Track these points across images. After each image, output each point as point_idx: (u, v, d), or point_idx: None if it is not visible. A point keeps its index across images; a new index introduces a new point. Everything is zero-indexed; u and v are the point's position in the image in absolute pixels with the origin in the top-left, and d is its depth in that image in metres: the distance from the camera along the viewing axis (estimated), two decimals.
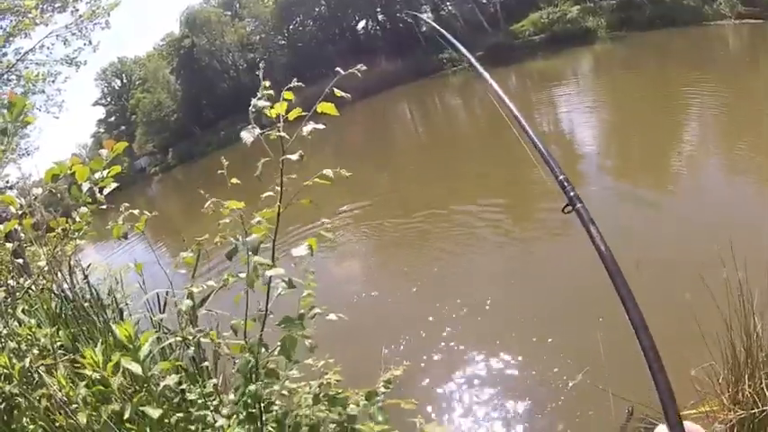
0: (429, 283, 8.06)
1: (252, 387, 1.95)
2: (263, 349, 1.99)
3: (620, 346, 4.97)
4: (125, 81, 59.09)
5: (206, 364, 2.62)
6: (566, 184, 1.64)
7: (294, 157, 1.89)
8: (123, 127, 55.26)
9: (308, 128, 1.84)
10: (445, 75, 37.85)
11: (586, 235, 1.49)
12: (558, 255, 7.68)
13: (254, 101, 1.89)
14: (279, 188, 1.98)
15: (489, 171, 13.22)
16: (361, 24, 51.16)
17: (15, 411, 2.08)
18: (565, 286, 6.53)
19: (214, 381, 2.42)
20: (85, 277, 4.05)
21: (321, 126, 1.85)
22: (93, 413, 2.09)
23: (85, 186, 2.46)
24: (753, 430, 3.09)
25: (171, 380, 2.14)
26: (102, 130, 58.94)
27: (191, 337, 2.45)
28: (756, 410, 3.02)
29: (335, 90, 1.89)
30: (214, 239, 2.20)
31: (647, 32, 28.69)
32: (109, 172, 2.47)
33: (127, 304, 4.21)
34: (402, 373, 2.36)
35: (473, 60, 2.23)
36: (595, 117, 16.07)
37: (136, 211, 2.74)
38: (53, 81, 13.20)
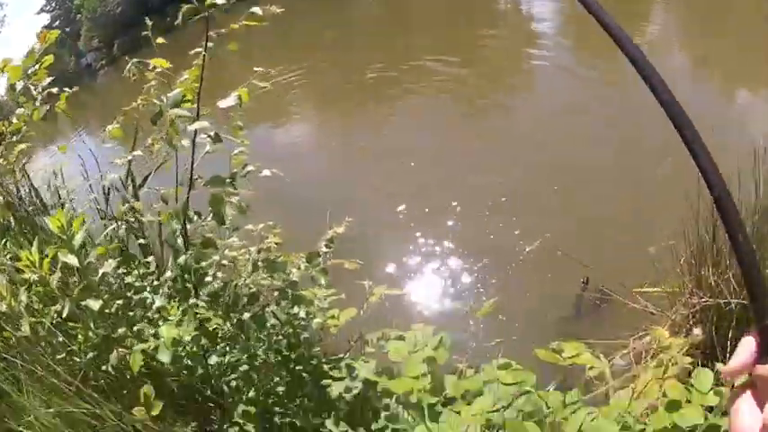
0: (380, 142, 7.88)
1: (181, 258, 1.79)
2: (196, 217, 1.81)
3: (580, 218, 5.04)
4: None
5: (140, 241, 2.46)
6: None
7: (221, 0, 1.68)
8: (68, 29, 52.23)
9: None
10: None
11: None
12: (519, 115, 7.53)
13: None
14: (205, 38, 1.78)
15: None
16: None
17: None
18: (525, 152, 6.42)
19: (150, 258, 2.27)
20: (29, 180, 3.80)
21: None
22: (36, 318, 1.97)
23: (20, 85, 2.37)
24: (716, 320, 3.01)
25: (109, 266, 1.97)
26: (57, 31, 55.66)
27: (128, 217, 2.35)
28: (722, 301, 2.91)
29: None
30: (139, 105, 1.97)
31: None
32: (41, 63, 2.37)
33: (71, 200, 3.96)
34: (345, 231, 2.16)
35: None
36: None
37: (54, 89, 2.52)
38: None
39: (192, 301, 1.81)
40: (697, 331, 2.31)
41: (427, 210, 5.81)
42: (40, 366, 1.95)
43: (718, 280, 2.99)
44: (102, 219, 3.39)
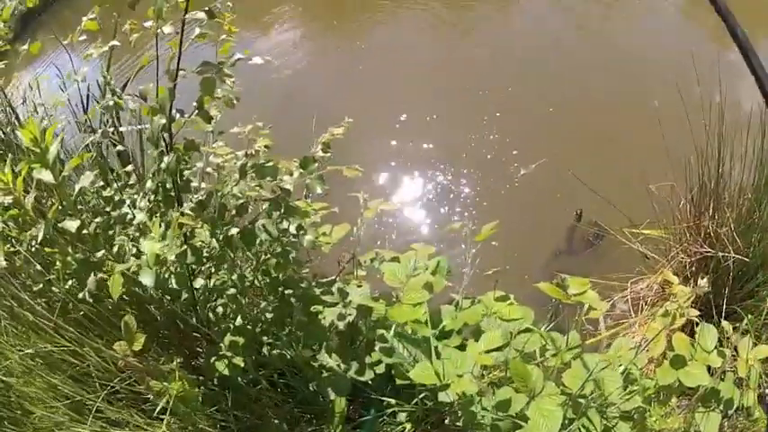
0: (374, 47, 7.47)
1: (165, 160, 1.59)
2: (179, 115, 1.59)
3: (578, 143, 4.83)
4: None
5: (119, 148, 2.22)
6: None
7: None
8: None
9: None
10: None
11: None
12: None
13: None
14: None
15: None
16: None
17: None
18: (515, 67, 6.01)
19: (129, 167, 2.03)
20: (5, 96, 3.53)
21: None
22: (12, 248, 1.77)
23: None
24: (713, 271, 2.92)
25: (86, 179, 1.75)
26: None
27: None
28: (721, 254, 2.81)
29: None
30: None
31: None
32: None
33: (50, 116, 3.66)
34: (344, 133, 1.91)
35: None
36: None
37: None
38: None
39: (175, 212, 1.59)
40: (703, 282, 2.18)
41: (417, 120, 5.54)
42: (17, 302, 1.81)
43: (718, 230, 2.89)
44: (80, 131, 3.17)
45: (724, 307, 2.74)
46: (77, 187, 1.75)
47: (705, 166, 2.91)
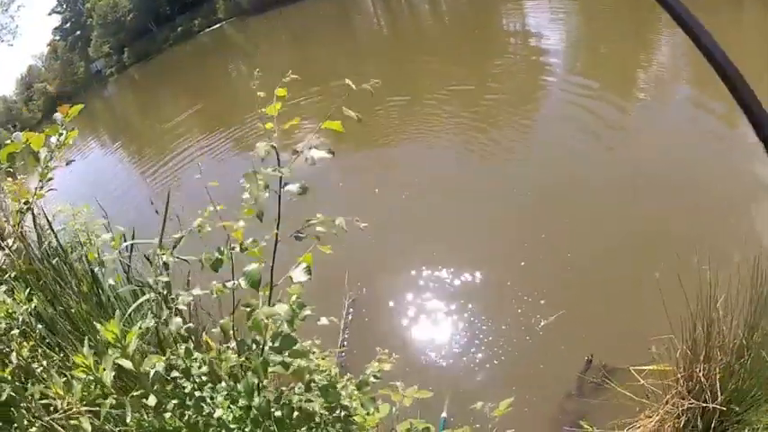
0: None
1: (257, 400, 1.82)
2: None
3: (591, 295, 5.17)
4: None
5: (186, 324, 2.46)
6: None
7: (294, 188, 1.69)
8: (78, 32, 52.74)
9: (315, 154, 1.63)
10: None
11: None
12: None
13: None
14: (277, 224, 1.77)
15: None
16: None
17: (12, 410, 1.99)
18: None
19: (198, 355, 2.30)
20: (50, 225, 3.72)
21: (327, 155, 1.62)
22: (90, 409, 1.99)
23: (43, 153, 2.45)
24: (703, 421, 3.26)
25: (160, 366, 2.01)
26: (57, 38, 56.24)
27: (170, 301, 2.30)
28: (704, 404, 3.17)
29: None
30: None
31: None
32: (65, 138, 2.45)
33: (102, 261, 3.86)
34: (390, 368, 2.30)
35: None
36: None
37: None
38: (6, 10, 12.44)
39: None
40: None
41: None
42: None
43: (705, 379, 3.23)
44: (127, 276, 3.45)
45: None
46: (152, 373, 1.99)
47: (698, 323, 3.26)
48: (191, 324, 2.53)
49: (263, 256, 1.77)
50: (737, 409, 3.20)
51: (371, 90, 1.67)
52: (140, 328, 2.27)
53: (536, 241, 5.94)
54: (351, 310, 5.58)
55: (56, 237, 3.64)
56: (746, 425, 3.20)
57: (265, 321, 1.63)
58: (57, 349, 2.71)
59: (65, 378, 2.05)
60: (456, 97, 10.73)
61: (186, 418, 2.00)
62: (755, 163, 5.71)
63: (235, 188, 1.86)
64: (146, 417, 2.05)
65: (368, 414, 2.09)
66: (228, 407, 2.00)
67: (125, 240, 3.42)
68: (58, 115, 2.35)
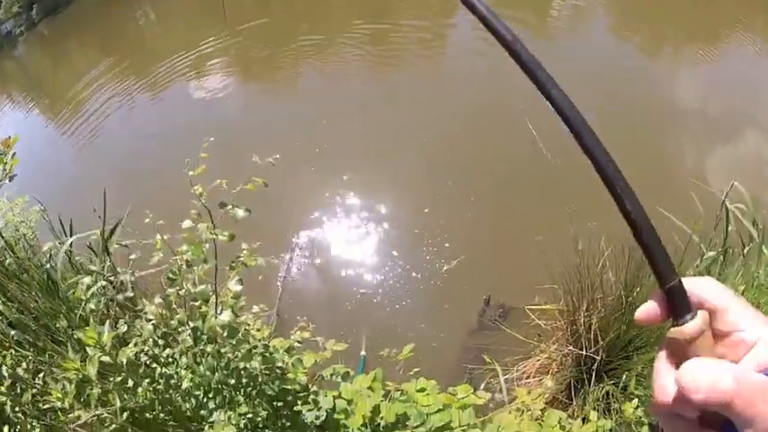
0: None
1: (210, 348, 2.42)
2: None
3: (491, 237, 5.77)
4: None
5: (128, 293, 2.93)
6: None
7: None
8: None
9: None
10: None
11: None
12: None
13: None
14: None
15: None
16: None
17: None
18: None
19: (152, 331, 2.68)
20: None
21: (244, 213, 2.17)
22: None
23: None
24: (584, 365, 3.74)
25: (131, 353, 2.48)
26: None
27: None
28: (584, 353, 3.62)
29: None
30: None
31: None
32: (9, 167, 2.66)
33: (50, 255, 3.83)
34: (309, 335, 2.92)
35: None
36: None
37: None
38: None
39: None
40: (549, 383, 3.27)
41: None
42: None
43: (586, 328, 3.70)
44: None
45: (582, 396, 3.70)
46: (123, 360, 2.49)
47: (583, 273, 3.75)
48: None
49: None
50: (611, 358, 3.65)
51: None
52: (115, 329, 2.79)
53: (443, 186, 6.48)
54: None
55: (1, 236, 3.84)
56: (624, 371, 3.60)
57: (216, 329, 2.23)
58: (29, 348, 3.06)
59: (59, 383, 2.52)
60: None
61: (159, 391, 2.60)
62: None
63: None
64: (128, 397, 2.59)
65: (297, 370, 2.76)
66: (190, 378, 2.62)
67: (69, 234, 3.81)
68: None
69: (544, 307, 4.35)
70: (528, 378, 4.02)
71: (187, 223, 2.23)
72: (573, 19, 10.04)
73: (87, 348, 2.42)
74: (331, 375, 3.10)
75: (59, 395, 2.33)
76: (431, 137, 7.05)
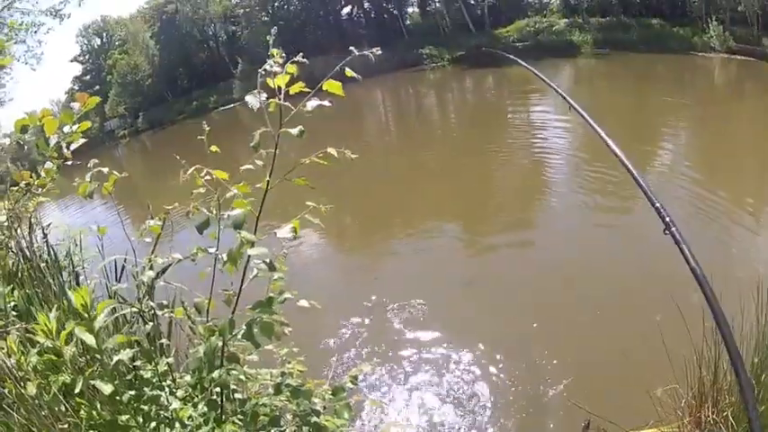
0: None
1: (216, 373, 1.87)
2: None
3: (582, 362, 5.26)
4: (105, 40, 57.53)
5: (163, 341, 2.50)
6: (662, 210, 1.91)
7: (294, 131, 1.79)
8: (98, 86, 53.88)
9: (312, 103, 1.75)
10: (423, 70, 37.85)
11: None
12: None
13: (266, 64, 1.76)
14: (269, 160, 1.87)
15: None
16: (346, 10, 50.67)
17: None
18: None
19: (170, 360, 2.32)
20: (45, 236, 3.86)
21: (326, 103, 1.75)
22: (43, 382, 1.99)
23: (53, 140, 2.34)
24: None
25: (125, 355, 2.02)
26: (76, 87, 57.26)
27: (147, 311, 2.37)
28: None
29: (347, 70, 1.82)
30: (185, 209, 2.02)
31: (632, 53, 28.95)
32: (78, 127, 2.34)
33: (84, 268, 3.89)
34: (371, 371, 2.32)
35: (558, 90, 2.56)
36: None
37: (105, 170, 2.47)
38: (35, 31, 12.88)
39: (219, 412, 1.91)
40: None
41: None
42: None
43: (717, 418, 3.09)
44: (110, 297, 3.47)
45: None
46: (116, 359, 1.99)
47: (704, 366, 3.16)
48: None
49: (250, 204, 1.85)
50: None
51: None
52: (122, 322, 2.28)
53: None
54: None
55: (47, 240, 3.75)
56: None
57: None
58: None
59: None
60: None
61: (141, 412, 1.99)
62: None
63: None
64: (98, 408, 2.04)
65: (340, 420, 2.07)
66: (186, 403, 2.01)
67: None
68: (75, 104, 2.31)
69: (652, 430, 3.59)
70: None
71: None
72: None
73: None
74: None
75: (14, 347, 1.85)
76: None
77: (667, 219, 1.90)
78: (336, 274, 9.29)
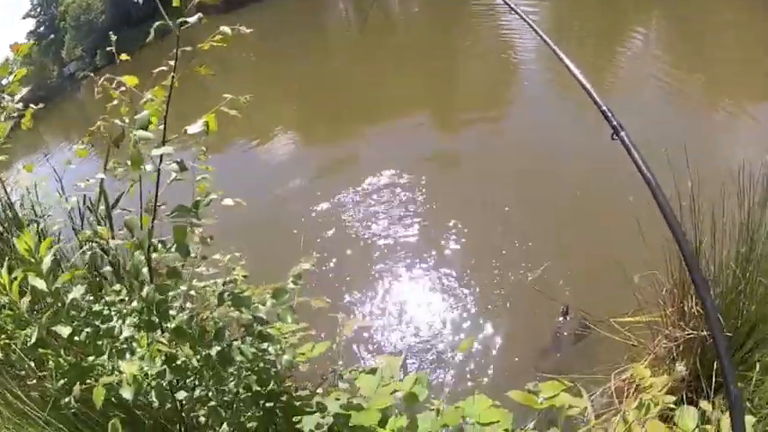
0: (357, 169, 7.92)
1: (145, 290, 1.73)
2: (161, 245, 1.74)
3: (560, 246, 5.04)
4: None
5: (106, 268, 2.36)
6: (608, 113, 1.79)
7: (192, 19, 1.65)
8: (52, 35, 52.12)
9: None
10: None
11: None
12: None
13: None
14: (175, 58, 1.72)
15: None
16: None
17: None
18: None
19: (117, 286, 2.20)
20: (6, 193, 3.62)
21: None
22: (8, 341, 1.92)
23: None
24: (700, 353, 2.88)
25: (77, 292, 1.91)
26: (32, 41, 55.42)
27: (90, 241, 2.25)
28: (706, 333, 2.77)
29: None
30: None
31: None
32: (15, 76, 2.36)
33: (44, 217, 3.76)
34: (313, 267, 2.08)
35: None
36: None
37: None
38: None
39: (157, 334, 1.72)
40: (680, 367, 2.23)
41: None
42: (11, 393, 1.91)
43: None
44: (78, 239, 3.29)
45: (713, 384, 2.69)
46: (69, 297, 1.88)
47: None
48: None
49: None
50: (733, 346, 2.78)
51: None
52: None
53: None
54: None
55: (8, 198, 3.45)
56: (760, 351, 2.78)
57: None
58: None
59: None
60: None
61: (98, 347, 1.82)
62: None
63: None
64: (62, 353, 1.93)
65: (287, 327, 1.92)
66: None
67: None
68: (9, 54, 2.37)
69: (637, 318, 3.40)
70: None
71: None
72: None
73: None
74: (351, 372, 2.21)
75: None
76: None
77: (614, 122, 1.76)
78: (309, 165, 9.00)
